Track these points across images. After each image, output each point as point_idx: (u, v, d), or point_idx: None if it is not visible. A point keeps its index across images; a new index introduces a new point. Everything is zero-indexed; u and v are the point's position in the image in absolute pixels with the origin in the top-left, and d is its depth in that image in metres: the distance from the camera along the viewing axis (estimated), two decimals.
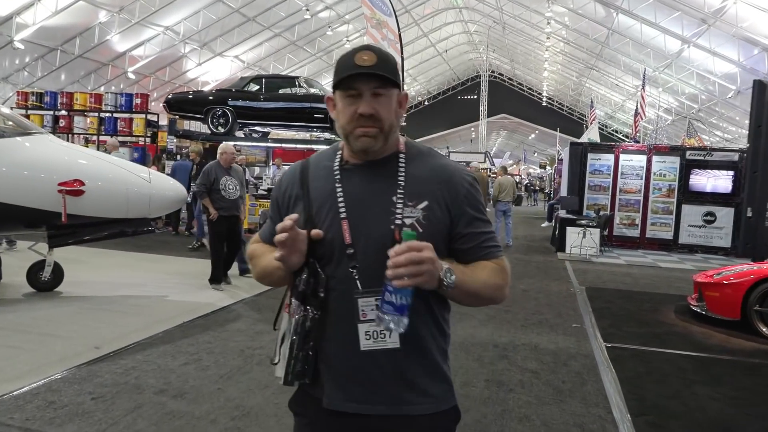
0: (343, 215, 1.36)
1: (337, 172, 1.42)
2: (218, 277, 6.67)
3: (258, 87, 12.29)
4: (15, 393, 3.46)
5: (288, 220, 1.28)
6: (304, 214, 1.39)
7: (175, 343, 4.53)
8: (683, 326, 5.97)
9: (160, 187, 6.03)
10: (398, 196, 1.36)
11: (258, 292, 6.50)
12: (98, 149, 12.15)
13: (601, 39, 24.75)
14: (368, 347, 1.34)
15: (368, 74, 1.32)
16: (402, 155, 1.42)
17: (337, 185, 1.39)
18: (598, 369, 4.47)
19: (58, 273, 5.97)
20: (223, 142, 7.82)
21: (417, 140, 1.55)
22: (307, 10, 23.71)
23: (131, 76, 23.10)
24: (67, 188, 5.37)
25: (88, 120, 12.57)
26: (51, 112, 12.65)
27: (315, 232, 1.35)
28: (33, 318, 4.99)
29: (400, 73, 1.39)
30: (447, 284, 1.27)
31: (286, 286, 1.47)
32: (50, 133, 7.76)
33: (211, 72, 25.88)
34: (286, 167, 11.33)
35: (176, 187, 6.31)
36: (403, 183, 1.38)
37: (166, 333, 4.78)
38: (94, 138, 12.67)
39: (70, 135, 13.20)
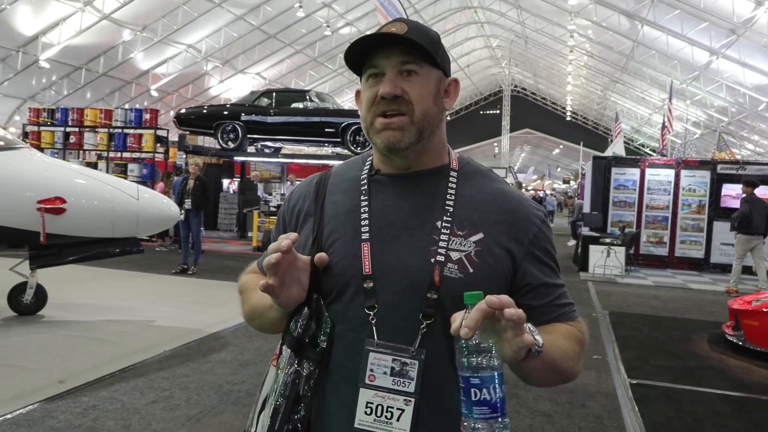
0: (364, 236, 1.02)
1: (365, 182, 1.09)
2: None
3: (269, 101, 12.04)
4: None
5: (285, 239, 0.93)
6: (314, 234, 1.06)
7: (149, 377, 4.12)
8: (718, 359, 5.36)
9: (150, 205, 5.70)
10: (445, 221, 1.02)
11: None
12: (108, 167, 12.05)
13: (626, 52, 24.06)
14: (364, 426, 0.93)
15: (393, 44, 0.99)
16: (454, 172, 1.09)
17: (363, 198, 1.06)
18: (621, 412, 3.93)
19: (40, 296, 5.64)
20: None
21: None
22: (328, 26, 23.60)
23: (154, 93, 23.28)
24: (47, 206, 5.07)
25: (98, 136, 12.44)
26: (62, 129, 12.56)
27: (319, 255, 1.00)
28: (2, 347, 4.63)
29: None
30: (537, 349, 0.87)
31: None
32: (33, 147, 7.49)
33: (234, 89, 25.92)
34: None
35: (167, 205, 5.99)
36: (452, 205, 1.04)
37: (142, 364, 4.37)
38: (105, 154, 12.55)
39: (81, 151, 13.14)
